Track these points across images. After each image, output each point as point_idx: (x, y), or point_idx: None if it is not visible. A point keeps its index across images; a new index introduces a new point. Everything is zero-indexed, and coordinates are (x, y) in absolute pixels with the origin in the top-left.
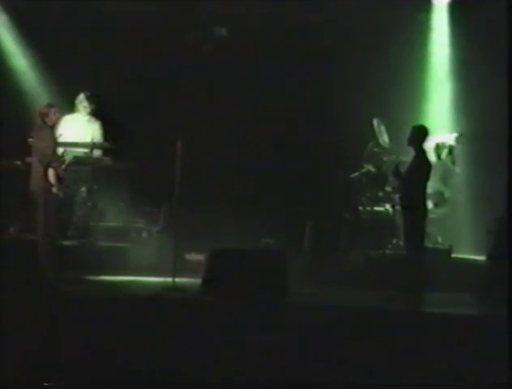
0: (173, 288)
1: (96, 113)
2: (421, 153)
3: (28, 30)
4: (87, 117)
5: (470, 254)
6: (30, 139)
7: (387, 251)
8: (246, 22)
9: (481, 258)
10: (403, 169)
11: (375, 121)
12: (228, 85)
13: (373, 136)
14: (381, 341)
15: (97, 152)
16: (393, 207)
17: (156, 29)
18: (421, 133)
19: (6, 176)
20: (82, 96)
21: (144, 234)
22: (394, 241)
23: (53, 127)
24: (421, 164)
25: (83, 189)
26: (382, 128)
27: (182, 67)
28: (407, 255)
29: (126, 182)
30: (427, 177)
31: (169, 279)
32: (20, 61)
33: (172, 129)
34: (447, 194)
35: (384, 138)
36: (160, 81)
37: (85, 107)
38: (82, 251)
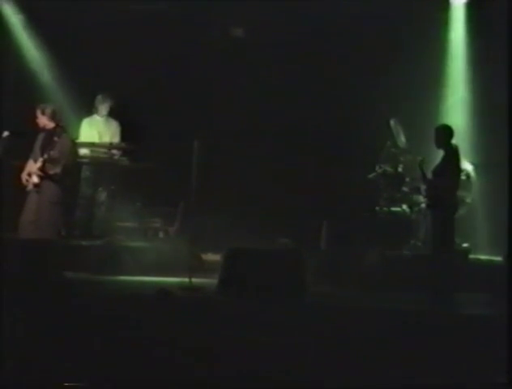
0: (190, 287)
1: (112, 114)
2: (451, 152)
3: (45, 30)
4: (105, 118)
5: (488, 254)
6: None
7: (405, 252)
8: (263, 22)
9: (498, 258)
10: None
11: (392, 122)
12: (246, 86)
13: (390, 136)
14: (392, 341)
15: (115, 152)
16: (410, 207)
17: (174, 29)
18: (447, 132)
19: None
20: (100, 97)
21: (161, 234)
22: (412, 241)
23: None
24: (453, 164)
25: (101, 189)
26: (399, 128)
27: (201, 68)
28: (443, 255)
29: (143, 182)
30: (459, 176)
31: (186, 279)
32: (36, 60)
33: (190, 129)
34: (469, 199)
35: (401, 139)
36: (178, 81)
37: (105, 108)
38: (99, 251)
